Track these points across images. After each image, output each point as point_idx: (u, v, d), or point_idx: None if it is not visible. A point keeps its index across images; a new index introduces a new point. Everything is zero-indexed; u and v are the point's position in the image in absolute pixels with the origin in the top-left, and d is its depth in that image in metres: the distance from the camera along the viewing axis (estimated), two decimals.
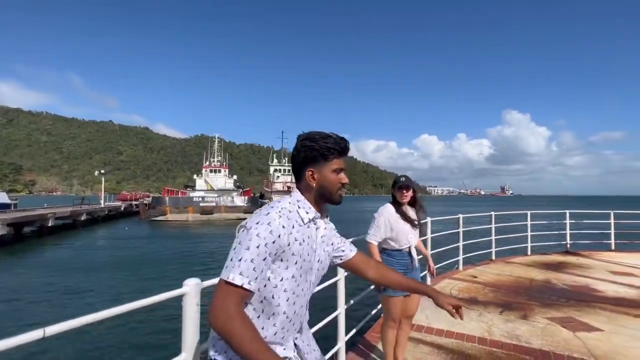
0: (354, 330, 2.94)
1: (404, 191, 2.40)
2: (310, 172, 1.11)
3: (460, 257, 5.97)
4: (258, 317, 1.04)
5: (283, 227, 1.01)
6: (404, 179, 2.42)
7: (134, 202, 41.75)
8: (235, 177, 49.38)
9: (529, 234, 7.48)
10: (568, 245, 7.90)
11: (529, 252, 7.44)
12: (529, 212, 7.64)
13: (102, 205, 33.10)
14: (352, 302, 2.82)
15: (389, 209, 2.41)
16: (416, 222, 2.49)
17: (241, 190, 44.62)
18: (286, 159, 50.06)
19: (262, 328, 1.03)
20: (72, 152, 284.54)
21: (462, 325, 3.40)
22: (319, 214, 1.15)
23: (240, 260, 0.94)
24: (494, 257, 6.87)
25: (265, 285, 1.02)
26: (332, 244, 1.26)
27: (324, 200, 1.15)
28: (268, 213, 1.02)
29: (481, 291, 4.63)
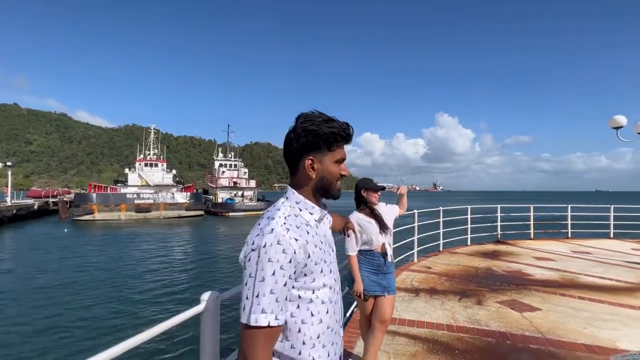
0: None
1: (378, 193, 2.53)
2: (310, 161, 0.97)
3: (415, 250, 6.40)
4: (300, 353, 0.91)
5: (296, 240, 0.88)
6: (377, 181, 2.56)
7: (50, 200, 36.36)
8: (174, 171, 46.06)
9: (469, 226, 8.32)
10: (499, 236, 8.99)
11: (469, 243, 8.29)
12: (469, 207, 8.49)
13: (9, 204, 28.11)
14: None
15: (356, 217, 2.47)
16: (385, 219, 2.57)
17: (182, 185, 41.80)
18: (232, 153, 48.11)
19: (313, 359, 0.92)
20: None
21: (429, 315, 3.66)
22: (324, 212, 1.04)
23: (257, 296, 0.82)
24: (441, 249, 7.50)
25: (298, 306, 0.90)
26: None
27: (321, 194, 1.01)
28: (272, 229, 0.87)
29: (438, 281, 5.03)
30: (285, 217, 0.92)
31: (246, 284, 0.85)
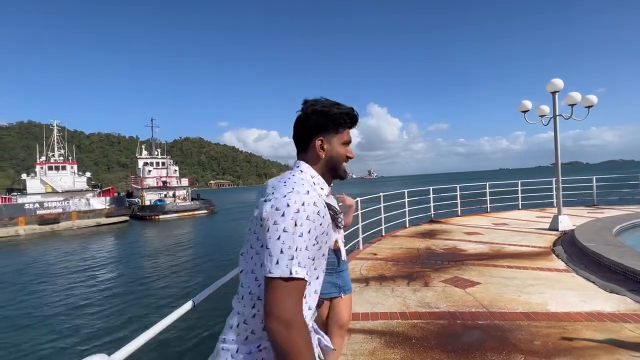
0: None
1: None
2: (320, 142, 1.03)
3: (360, 237, 6.40)
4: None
5: (324, 206, 0.93)
6: None
7: None
8: (88, 174, 40.25)
9: (407, 209, 8.70)
10: (432, 216, 9.61)
11: (407, 225, 8.68)
12: (406, 191, 8.87)
13: None
14: None
15: None
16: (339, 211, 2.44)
17: (99, 189, 36.75)
18: (159, 150, 43.70)
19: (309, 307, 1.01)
20: None
21: (381, 304, 3.57)
22: (331, 191, 1.15)
23: (296, 249, 0.83)
24: (383, 233, 7.69)
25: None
26: None
27: (330, 175, 1.08)
28: (308, 191, 0.89)
29: (385, 267, 5.05)
30: (311, 185, 0.96)
31: (279, 238, 0.83)
